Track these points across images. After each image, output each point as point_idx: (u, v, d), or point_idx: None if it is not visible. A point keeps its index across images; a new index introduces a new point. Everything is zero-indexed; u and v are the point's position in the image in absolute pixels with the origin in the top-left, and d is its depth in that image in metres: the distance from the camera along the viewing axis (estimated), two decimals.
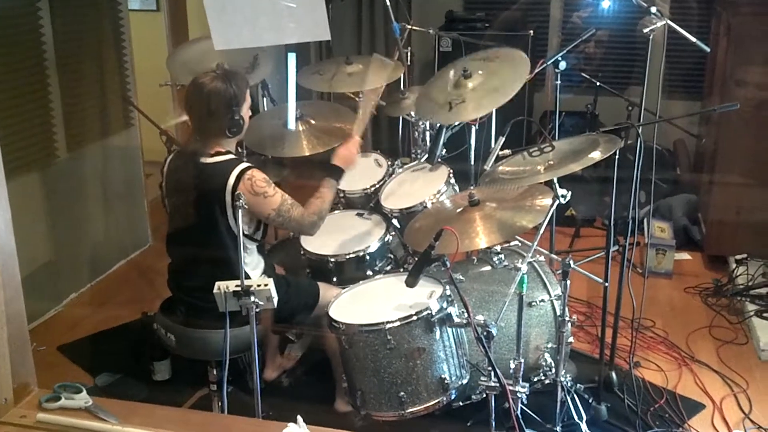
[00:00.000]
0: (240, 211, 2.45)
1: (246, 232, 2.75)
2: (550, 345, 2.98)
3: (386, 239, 3.23)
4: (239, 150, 3.08)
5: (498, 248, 3.09)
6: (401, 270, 3.21)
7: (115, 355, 3.70)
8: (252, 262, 2.86)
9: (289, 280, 2.99)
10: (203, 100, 2.68)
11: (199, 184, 2.72)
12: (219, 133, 2.73)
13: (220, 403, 2.84)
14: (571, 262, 2.72)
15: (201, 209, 2.73)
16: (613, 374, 3.29)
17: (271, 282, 2.42)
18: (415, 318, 2.58)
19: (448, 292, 2.68)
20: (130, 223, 4.82)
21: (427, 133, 3.73)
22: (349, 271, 3.16)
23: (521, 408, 2.64)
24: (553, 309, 2.99)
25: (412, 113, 3.73)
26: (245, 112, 2.77)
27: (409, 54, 4.14)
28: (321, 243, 3.25)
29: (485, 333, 2.41)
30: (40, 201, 3.98)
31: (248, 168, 2.70)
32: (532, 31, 5.30)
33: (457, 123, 3.41)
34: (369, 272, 3.15)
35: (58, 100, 4.02)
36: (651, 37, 3.04)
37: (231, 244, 2.70)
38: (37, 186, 3.96)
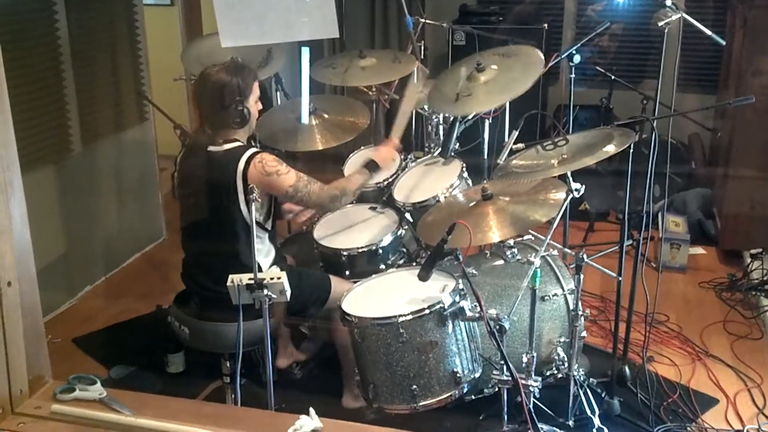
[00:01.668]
0: (253, 203, 2.47)
1: (257, 220, 2.77)
2: (562, 339, 2.98)
3: (399, 233, 3.22)
4: (252, 144, 3.10)
5: (511, 242, 3.08)
6: (414, 264, 3.21)
7: (129, 348, 3.72)
8: (263, 250, 2.87)
9: (301, 272, 3.00)
10: (208, 91, 2.74)
11: (210, 172, 2.75)
12: (225, 124, 2.76)
13: (233, 396, 2.86)
14: (585, 256, 2.72)
15: (213, 197, 2.75)
16: (626, 369, 3.28)
17: (284, 275, 2.43)
18: (427, 312, 2.58)
19: (461, 286, 2.68)
20: (144, 217, 4.84)
21: (441, 127, 3.73)
22: (362, 264, 3.16)
23: (534, 402, 2.63)
24: (567, 303, 2.98)
25: (426, 107, 3.73)
26: (252, 104, 2.80)
27: (422, 48, 4.13)
28: (334, 237, 3.26)
29: (498, 327, 2.41)
30: (54, 195, 4.01)
31: (257, 152, 2.73)
32: (546, 25, 5.29)
33: (470, 116, 3.40)
34: (382, 266, 3.15)
35: (72, 94, 4.05)
36: (666, 31, 3.03)
37: (242, 234, 2.72)
38: (52, 180, 3.99)
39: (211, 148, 2.76)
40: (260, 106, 2.89)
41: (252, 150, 2.74)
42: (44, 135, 3.88)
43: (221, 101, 2.72)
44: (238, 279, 2.43)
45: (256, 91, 2.82)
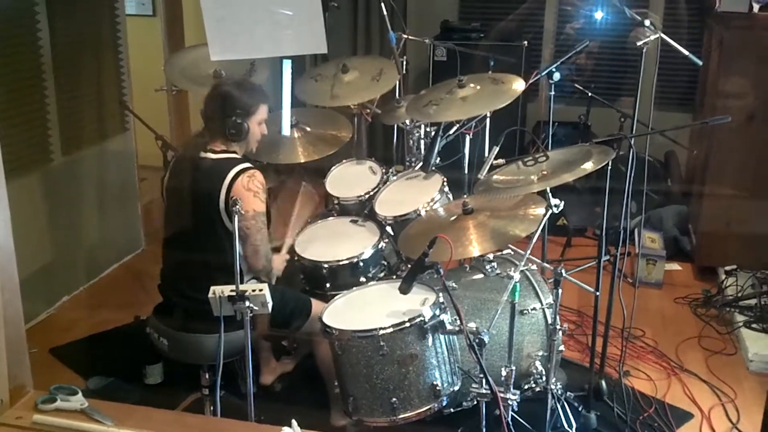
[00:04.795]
0: (236, 214, 2.48)
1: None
2: (541, 353, 3.00)
3: (380, 246, 3.24)
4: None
5: (491, 256, 3.11)
6: (394, 277, 3.23)
7: (107, 359, 3.70)
8: (245, 267, 2.87)
9: (283, 289, 3.00)
10: (214, 99, 2.84)
11: (199, 178, 2.76)
12: (220, 133, 2.81)
13: (212, 407, 2.85)
14: (563, 271, 2.75)
15: (199, 205, 2.76)
16: (603, 383, 3.31)
17: (266, 287, 2.44)
18: (408, 325, 2.59)
19: (441, 300, 2.69)
20: (124, 227, 4.82)
21: (422, 142, 3.76)
22: (343, 277, 3.17)
23: (512, 415, 2.66)
24: (545, 317, 3.01)
25: (407, 121, 3.75)
26: (254, 123, 2.85)
27: (404, 63, 4.16)
28: (315, 249, 3.26)
29: (477, 340, 2.43)
30: (35, 204, 3.99)
31: (251, 167, 2.76)
32: (526, 42, 5.35)
33: (451, 131, 3.44)
34: (362, 279, 3.16)
35: (54, 103, 4.03)
36: (644, 50, 3.08)
37: (223, 245, 2.72)
38: (33, 189, 3.97)
39: (204, 155, 2.79)
40: (265, 131, 2.93)
41: (247, 164, 2.77)
42: (25, 144, 3.86)
43: (223, 111, 2.79)
44: (219, 290, 2.43)
45: (261, 114, 2.88)
